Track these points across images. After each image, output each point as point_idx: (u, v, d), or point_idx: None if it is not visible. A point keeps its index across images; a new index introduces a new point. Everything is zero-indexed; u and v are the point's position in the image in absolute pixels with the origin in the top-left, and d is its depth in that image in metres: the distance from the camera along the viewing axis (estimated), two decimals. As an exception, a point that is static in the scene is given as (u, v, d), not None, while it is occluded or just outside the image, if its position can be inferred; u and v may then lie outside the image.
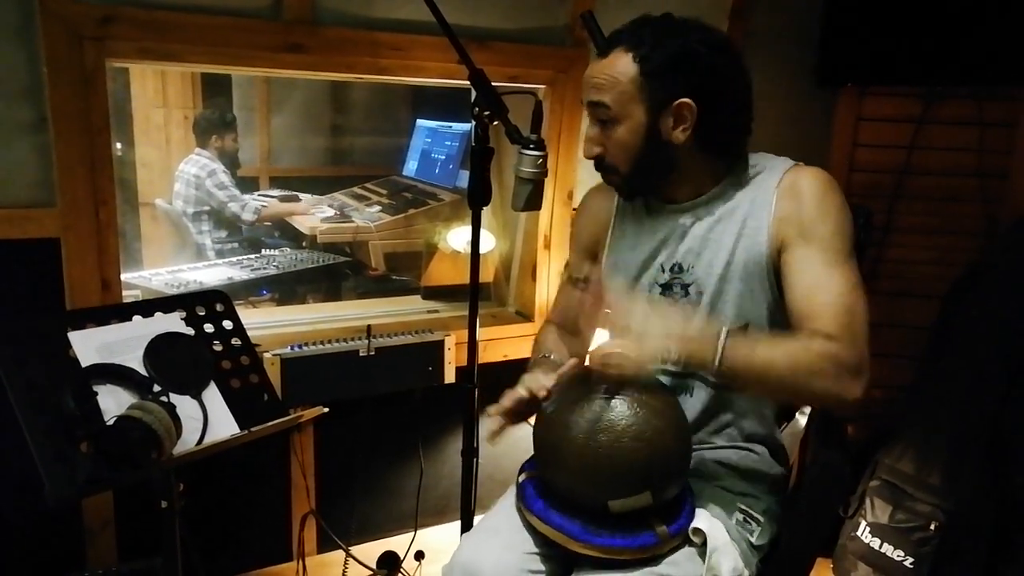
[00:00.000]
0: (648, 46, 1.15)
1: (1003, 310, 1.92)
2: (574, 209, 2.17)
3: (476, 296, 1.43)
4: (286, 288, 3.15)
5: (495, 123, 1.30)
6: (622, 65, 1.16)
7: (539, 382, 1.17)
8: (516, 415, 1.20)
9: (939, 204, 2.28)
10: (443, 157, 3.79)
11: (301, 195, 3.98)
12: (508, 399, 1.19)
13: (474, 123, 1.31)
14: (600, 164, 1.26)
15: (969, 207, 2.25)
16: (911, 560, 1.85)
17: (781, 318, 1.21)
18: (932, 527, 1.84)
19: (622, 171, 1.23)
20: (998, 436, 1.84)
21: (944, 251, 2.27)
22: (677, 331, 1.10)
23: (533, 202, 1.31)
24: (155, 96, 4.12)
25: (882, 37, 2.18)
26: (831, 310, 1.10)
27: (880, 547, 1.90)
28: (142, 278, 2.75)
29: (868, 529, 1.94)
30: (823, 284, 1.12)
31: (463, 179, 3.61)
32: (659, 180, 1.25)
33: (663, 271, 1.28)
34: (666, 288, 1.28)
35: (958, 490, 1.83)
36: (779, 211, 1.18)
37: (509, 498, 1.28)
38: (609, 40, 1.20)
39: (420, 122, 4.08)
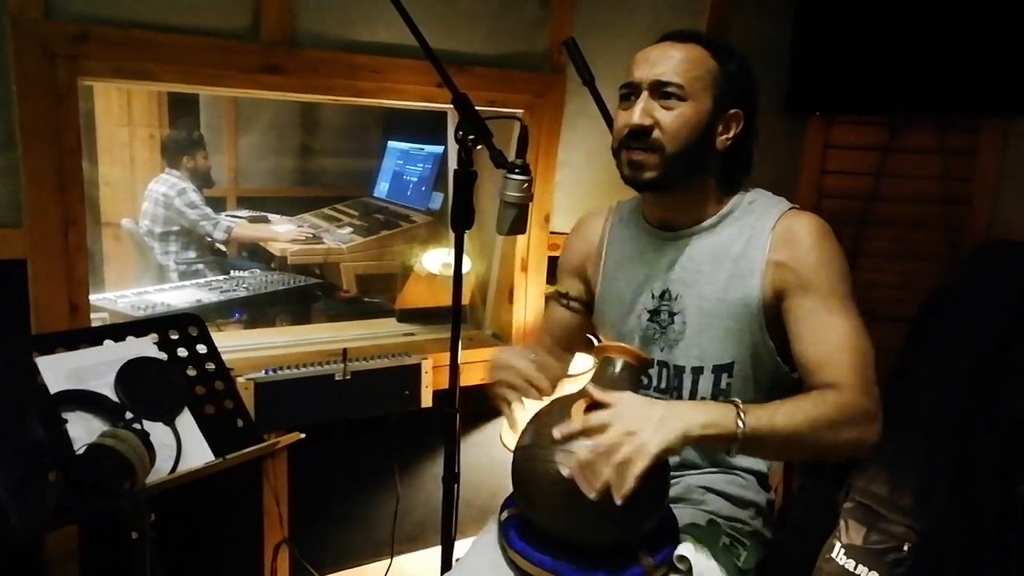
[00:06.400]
0: (724, 51, 1.20)
1: (968, 333, 1.97)
2: (551, 232, 2.18)
3: (458, 319, 1.43)
4: (256, 310, 3.09)
5: (479, 147, 1.31)
6: (701, 55, 1.18)
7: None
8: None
9: (905, 230, 2.34)
10: (415, 179, 3.79)
11: (270, 216, 3.94)
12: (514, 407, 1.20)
13: (458, 147, 1.31)
14: (641, 138, 1.17)
15: (933, 233, 2.31)
16: (885, 582, 1.87)
17: (766, 360, 1.23)
18: (905, 548, 1.86)
19: (668, 150, 1.16)
20: (966, 457, 1.88)
21: (909, 276, 2.32)
22: (690, 408, 1.05)
23: (518, 226, 1.31)
24: (120, 114, 4.03)
25: (849, 68, 2.25)
26: (840, 357, 1.11)
27: (855, 569, 1.92)
28: (107, 300, 2.69)
29: (843, 551, 1.96)
30: (829, 332, 1.13)
31: (436, 201, 3.60)
32: (686, 178, 1.21)
33: (652, 297, 1.29)
34: (654, 314, 1.28)
35: (930, 511, 1.86)
36: (774, 255, 1.18)
37: (489, 534, 1.25)
38: (682, 35, 1.21)
39: (391, 143, 4.07)
